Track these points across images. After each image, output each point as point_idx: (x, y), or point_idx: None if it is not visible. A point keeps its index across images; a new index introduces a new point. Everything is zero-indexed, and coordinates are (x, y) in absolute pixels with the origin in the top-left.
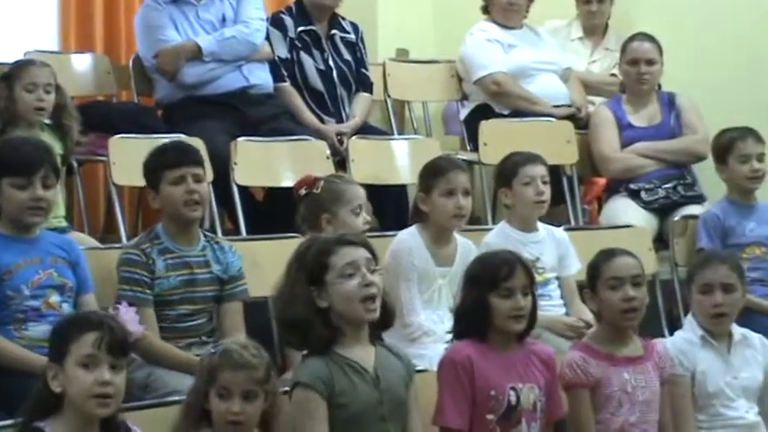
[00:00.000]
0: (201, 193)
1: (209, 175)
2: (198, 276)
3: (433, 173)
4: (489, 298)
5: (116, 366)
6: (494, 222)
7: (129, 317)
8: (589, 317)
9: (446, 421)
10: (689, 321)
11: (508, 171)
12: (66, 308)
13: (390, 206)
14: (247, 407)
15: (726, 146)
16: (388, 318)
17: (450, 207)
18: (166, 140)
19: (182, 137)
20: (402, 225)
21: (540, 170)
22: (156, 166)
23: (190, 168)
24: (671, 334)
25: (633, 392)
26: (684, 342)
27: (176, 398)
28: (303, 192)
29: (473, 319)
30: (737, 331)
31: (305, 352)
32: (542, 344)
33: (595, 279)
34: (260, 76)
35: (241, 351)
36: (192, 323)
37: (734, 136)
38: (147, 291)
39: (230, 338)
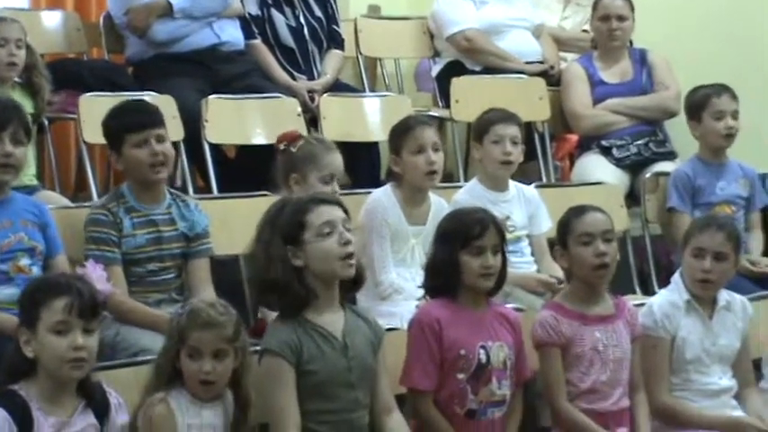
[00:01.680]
0: (166, 154)
1: (180, 134)
2: (164, 234)
3: (400, 132)
4: (460, 255)
5: (88, 330)
6: (466, 179)
7: (96, 275)
8: (560, 274)
9: (413, 383)
10: (675, 282)
11: (481, 127)
12: (36, 270)
13: (362, 163)
14: (218, 365)
15: (700, 102)
16: (359, 278)
17: (422, 164)
18: (125, 100)
19: (152, 95)
20: (374, 182)
21: (511, 131)
22: (117, 128)
23: (153, 130)
24: (642, 291)
25: (605, 351)
26: (670, 305)
27: (147, 357)
28: (282, 146)
29: (443, 275)
30: (722, 297)
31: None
32: (507, 306)
33: (566, 236)
34: (231, 33)
35: (209, 310)
36: (159, 278)
37: (709, 92)
38: (115, 250)
39: (198, 296)
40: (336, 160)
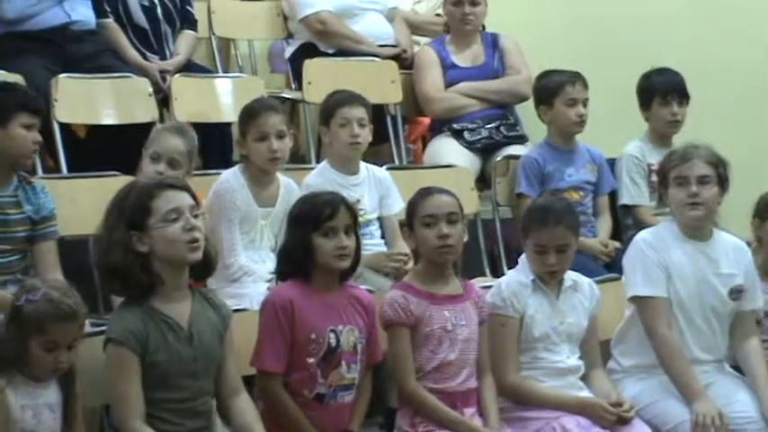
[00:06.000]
0: (39, 144)
1: None
2: (10, 217)
3: (245, 117)
4: (313, 238)
5: None
6: (318, 161)
7: None
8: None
9: (263, 365)
10: (522, 262)
11: (327, 111)
12: None
13: (214, 145)
14: (71, 354)
15: (554, 88)
16: (210, 263)
17: (264, 151)
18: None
19: (1, 73)
20: (226, 164)
21: (357, 112)
22: (12, 104)
23: (39, 119)
24: (492, 273)
25: (453, 331)
26: (517, 284)
27: None
28: None
29: (297, 258)
30: (569, 276)
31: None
32: (362, 289)
33: (412, 217)
34: (82, 12)
35: (64, 299)
36: (4, 260)
37: (564, 79)
38: None
39: (46, 279)
40: (168, 142)
